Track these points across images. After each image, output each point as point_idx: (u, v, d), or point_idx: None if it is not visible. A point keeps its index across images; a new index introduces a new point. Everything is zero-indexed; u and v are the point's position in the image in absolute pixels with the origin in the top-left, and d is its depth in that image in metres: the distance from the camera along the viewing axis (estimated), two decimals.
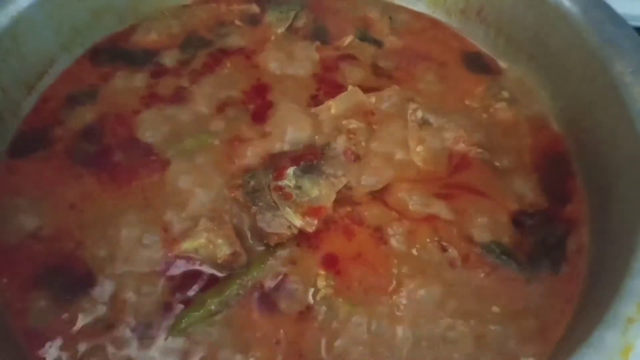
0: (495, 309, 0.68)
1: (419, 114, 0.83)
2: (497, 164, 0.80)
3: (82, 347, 0.63)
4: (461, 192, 0.77)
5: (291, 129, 0.80)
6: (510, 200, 0.77)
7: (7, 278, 0.68)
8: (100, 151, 0.78)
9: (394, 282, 0.68)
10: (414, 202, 0.75)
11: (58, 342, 0.63)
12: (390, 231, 0.72)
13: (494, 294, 0.69)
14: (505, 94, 0.89)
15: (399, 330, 0.65)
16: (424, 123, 0.83)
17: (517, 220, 0.75)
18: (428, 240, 0.72)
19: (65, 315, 0.65)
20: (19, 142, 0.81)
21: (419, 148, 0.80)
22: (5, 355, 0.61)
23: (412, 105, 0.84)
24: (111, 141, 0.79)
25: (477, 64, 0.95)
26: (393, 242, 0.71)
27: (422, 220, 0.73)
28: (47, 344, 0.63)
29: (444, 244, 0.71)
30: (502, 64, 0.95)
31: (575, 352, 0.54)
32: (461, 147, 0.81)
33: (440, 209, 0.74)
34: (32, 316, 0.65)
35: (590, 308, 0.64)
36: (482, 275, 0.70)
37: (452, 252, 0.71)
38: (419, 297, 0.68)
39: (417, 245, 0.71)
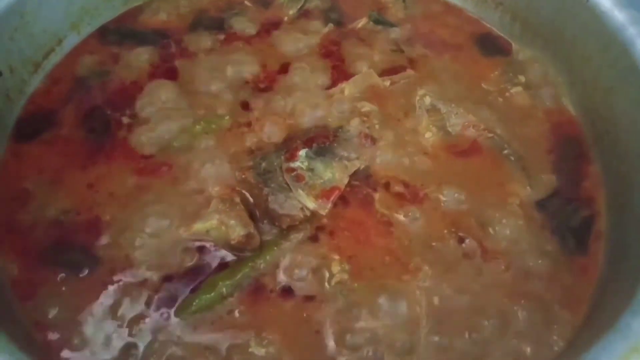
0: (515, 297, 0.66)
1: (427, 100, 0.82)
2: (509, 149, 0.78)
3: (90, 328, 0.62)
4: (473, 180, 0.75)
5: (303, 110, 0.78)
6: (523, 185, 0.75)
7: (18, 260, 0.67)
8: (110, 130, 0.77)
9: (409, 269, 0.67)
10: (429, 189, 0.73)
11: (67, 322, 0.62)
12: (404, 218, 0.71)
13: (514, 284, 0.67)
14: (522, 79, 0.87)
15: (415, 316, 0.64)
16: (432, 109, 0.81)
17: (539, 204, 0.73)
18: (445, 230, 0.70)
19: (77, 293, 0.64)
20: (25, 124, 0.79)
21: (428, 134, 0.79)
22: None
23: (420, 92, 0.83)
24: (120, 120, 0.78)
25: (493, 48, 0.93)
26: (407, 229, 0.70)
27: (437, 208, 0.72)
28: (54, 326, 0.62)
29: (461, 234, 0.70)
30: (518, 48, 0.93)
31: (601, 337, 0.52)
32: (471, 132, 0.80)
33: (453, 197, 0.73)
34: (41, 297, 0.64)
35: (614, 294, 0.62)
36: (502, 267, 0.68)
37: (471, 243, 0.69)
38: (435, 285, 0.66)
39: (433, 234, 0.70)
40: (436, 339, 0.63)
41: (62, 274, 0.65)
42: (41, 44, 0.84)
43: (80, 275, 0.65)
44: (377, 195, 0.72)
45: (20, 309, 0.63)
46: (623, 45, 0.76)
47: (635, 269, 0.59)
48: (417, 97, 0.82)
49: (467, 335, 0.63)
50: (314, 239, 0.68)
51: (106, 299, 0.63)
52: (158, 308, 0.63)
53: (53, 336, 0.61)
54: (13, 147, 0.76)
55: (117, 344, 0.61)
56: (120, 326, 0.62)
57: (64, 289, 0.64)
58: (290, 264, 0.66)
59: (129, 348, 0.61)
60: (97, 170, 0.73)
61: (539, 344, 0.64)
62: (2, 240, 0.68)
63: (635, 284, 0.56)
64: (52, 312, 0.63)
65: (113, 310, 0.63)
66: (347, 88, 0.82)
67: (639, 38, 0.74)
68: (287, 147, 0.74)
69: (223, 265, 0.66)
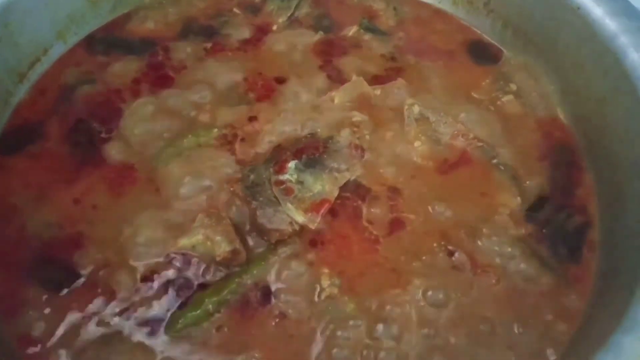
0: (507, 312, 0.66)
1: (416, 109, 0.81)
2: (499, 158, 0.78)
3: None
4: (463, 190, 0.75)
5: (292, 120, 0.77)
6: (513, 195, 0.74)
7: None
8: (96, 144, 0.76)
9: (399, 283, 0.66)
10: (418, 201, 0.72)
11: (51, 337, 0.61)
12: (395, 232, 0.70)
13: (505, 296, 0.67)
14: (513, 87, 0.86)
15: (405, 330, 0.63)
16: (421, 118, 0.80)
17: (530, 214, 0.73)
18: (434, 243, 0.69)
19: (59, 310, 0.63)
20: (10, 136, 0.77)
21: (417, 143, 0.78)
22: None
23: (409, 101, 0.81)
24: (105, 133, 0.77)
25: (484, 55, 0.92)
26: (397, 242, 0.69)
27: (426, 220, 0.71)
28: (38, 342, 0.61)
29: (450, 247, 0.69)
30: (509, 55, 0.92)
31: (592, 356, 0.52)
32: (460, 141, 0.79)
33: (443, 209, 0.72)
34: (24, 311, 0.63)
35: (605, 309, 0.61)
36: (493, 281, 0.67)
37: (460, 256, 0.68)
38: (426, 299, 0.65)
39: (422, 247, 0.69)
40: (427, 352, 0.62)
41: (45, 291, 0.64)
42: (26, 53, 0.83)
43: (61, 294, 0.64)
44: (366, 208, 0.71)
45: (3, 324, 0.62)
46: (615, 53, 0.75)
47: (627, 284, 0.58)
48: (406, 107, 0.81)
49: (458, 349, 0.63)
50: (303, 253, 0.67)
51: (88, 316, 0.62)
52: (144, 325, 0.62)
53: (36, 353, 0.60)
54: None
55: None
56: (104, 344, 0.61)
57: (47, 305, 0.63)
58: (278, 279, 0.65)
59: None
60: (82, 185, 0.72)
61: (532, 358, 0.63)
62: None
63: (627, 301, 0.56)
64: (36, 329, 0.62)
65: (95, 328, 0.62)
66: (337, 97, 0.81)
67: (631, 47, 0.74)
68: (276, 158, 0.73)
69: (209, 283, 0.65)
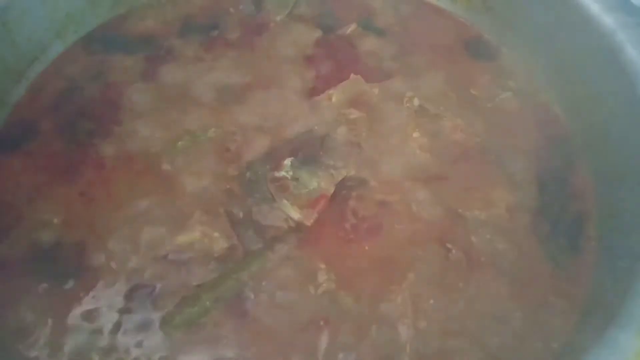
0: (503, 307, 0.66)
1: (415, 102, 0.81)
2: (496, 154, 0.78)
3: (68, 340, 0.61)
4: (460, 185, 0.75)
5: (290, 118, 0.78)
6: (510, 191, 0.74)
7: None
8: (93, 142, 0.76)
9: (395, 278, 0.66)
10: (415, 197, 0.73)
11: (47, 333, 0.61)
12: (390, 227, 0.70)
13: (502, 291, 0.67)
14: (512, 84, 0.87)
15: (401, 325, 0.63)
16: (420, 110, 0.80)
17: (527, 210, 0.73)
18: (431, 238, 0.69)
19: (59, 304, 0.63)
20: (7, 135, 0.78)
21: (416, 134, 0.78)
22: None
23: (409, 93, 0.82)
24: (103, 131, 0.77)
25: (482, 52, 0.92)
26: (393, 237, 0.69)
27: (423, 216, 0.71)
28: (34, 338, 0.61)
29: (447, 243, 0.69)
30: (508, 52, 0.92)
31: (587, 351, 0.52)
32: (459, 136, 0.79)
33: (440, 204, 0.72)
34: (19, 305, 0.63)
35: (602, 304, 0.61)
36: (489, 276, 0.67)
37: (457, 251, 0.69)
38: (422, 294, 0.65)
39: (419, 242, 0.69)
40: (422, 348, 0.62)
41: (45, 284, 0.64)
42: (25, 52, 0.83)
43: (65, 287, 0.64)
44: (363, 204, 0.71)
45: None
46: (612, 49, 0.75)
47: (623, 280, 0.58)
48: (406, 99, 0.81)
49: (454, 344, 0.63)
50: (299, 249, 0.67)
51: (87, 309, 0.63)
52: (141, 321, 0.62)
53: (32, 346, 0.60)
54: None
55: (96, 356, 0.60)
56: (101, 338, 0.61)
57: (45, 299, 0.63)
58: (275, 275, 0.65)
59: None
60: (79, 183, 0.72)
61: (530, 352, 0.63)
62: None
63: (623, 296, 0.55)
64: (32, 322, 0.62)
65: (93, 321, 0.62)
66: (335, 95, 0.81)
67: (628, 43, 0.73)
68: (273, 156, 0.73)
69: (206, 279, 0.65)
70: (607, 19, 0.76)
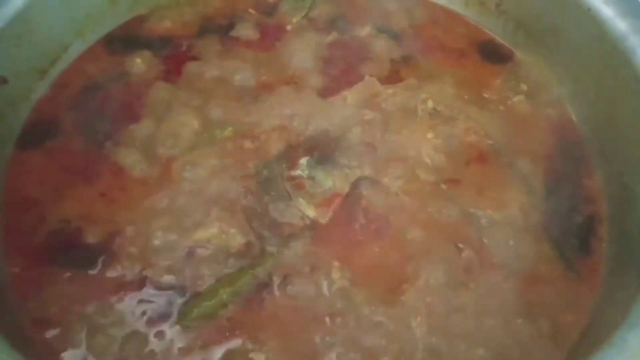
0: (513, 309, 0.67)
1: (430, 103, 0.82)
2: (509, 156, 0.79)
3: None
4: (473, 186, 0.76)
5: (305, 118, 0.79)
6: (522, 193, 0.75)
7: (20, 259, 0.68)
8: (113, 140, 0.77)
9: (408, 277, 0.67)
10: (428, 197, 0.74)
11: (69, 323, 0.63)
12: (404, 227, 0.71)
13: (513, 291, 0.68)
14: (524, 87, 0.87)
15: (413, 325, 0.64)
16: (434, 112, 0.82)
17: (539, 212, 0.74)
18: (443, 239, 0.70)
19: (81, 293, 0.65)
20: (30, 131, 0.79)
21: (430, 135, 0.79)
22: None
23: (423, 95, 0.83)
24: (123, 129, 0.78)
25: (495, 55, 0.93)
26: (406, 237, 0.70)
27: (435, 216, 0.72)
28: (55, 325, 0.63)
29: (460, 244, 0.70)
30: (521, 56, 0.93)
31: (596, 351, 0.52)
32: (472, 138, 0.80)
33: (453, 205, 0.73)
34: (43, 296, 0.64)
35: (612, 305, 0.62)
36: (501, 276, 0.68)
37: (469, 252, 0.70)
38: (434, 294, 0.66)
39: (431, 242, 0.70)
40: (434, 346, 0.63)
41: (69, 273, 0.66)
42: (46, 51, 0.85)
43: (87, 278, 0.66)
44: (376, 203, 0.72)
45: (20, 308, 0.64)
46: (625, 54, 0.75)
47: (634, 280, 0.59)
48: (420, 100, 0.82)
49: (465, 345, 0.64)
50: (313, 246, 0.68)
51: (108, 299, 0.64)
52: (161, 313, 0.64)
53: (53, 335, 0.62)
54: (18, 155, 0.77)
55: (114, 347, 0.62)
56: (120, 329, 0.63)
57: (68, 288, 0.65)
58: (290, 271, 0.66)
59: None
60: (100, 180, 0.74)
61: (541, 352, 0.64)
62: (6, 241, 0.69)
63: (633, 296, 0.56)
64: (54, 311, 0.64)
65: (113, 312, 0.64)
66: (350, 96, 0.83)
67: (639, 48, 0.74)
68: (289, 155, 0.75)
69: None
70: (620, 24, 0.77)
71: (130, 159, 0.75)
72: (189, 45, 0.90)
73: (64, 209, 0.71)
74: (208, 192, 0.72)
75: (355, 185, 0.73)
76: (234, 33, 0.92)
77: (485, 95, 0.86)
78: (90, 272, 0.66)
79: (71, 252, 0.68)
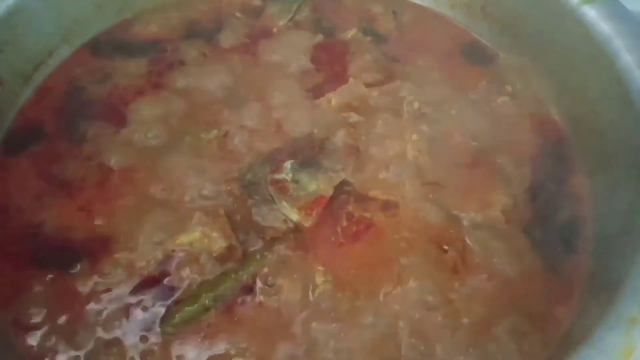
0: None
1: (415, 105, 0.83)
2: (493, 157, 0.79)
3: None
4: (457, 187, 0.76)
5: (290, 121, 0.79)
6: (506, 194, 0.75)
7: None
8: (98, 144, 0.77)
9: (392, 280, 0.67)
10: (412, 199, 0.74)
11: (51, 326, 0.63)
12: (387, 229, 0.71)
13: (497, 292, 0.68)
14: (509, 88, 0.88)
15: (396, 327, 0.64)
16: (420, 114, 0.82)
17: (522, 213, 0.74)
18: (427, 241, 0.70)
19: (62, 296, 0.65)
20: (14, 137, 0.79)
21: (415, 137, 0.79)
22: None
23: (409, 97, 0.83)
24: (110, 133, 0.78)
25: (480, 57, 0.93)
26: (390, 239, 0.70)
27: (419, 218, 0.72)
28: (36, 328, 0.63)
29: (443, 245, 0.70)
30: (505, 58, 0.93)
31: (576, 351, 0.52)
32: (457, 139, 0.80)
33: (436, 206, 0.73)
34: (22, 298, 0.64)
35: (591, 307, 0.62)
36: (485, 277, 0.68)
37: (452, 253, 0.70)
38: (418, 296, 0.66)
39: (415, 244, 0.70)
40: (417, 349, 0.63)
41: (50, 275, 0.66)
42: (32, 56, 0.85)
43: (69, 281, 0.66)
44: (361, 206, 0.72)
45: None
46: (609, 56, 0.76)
47: (615, 280, 0.59)
48: (405, 102, 0.83)
49: (451, 345, 0.64)
50: (297, 250, 0.68)
51: (91, 304, 0.64)
52: (142, 318, 0.64)
53: (34, 340, 0.62)
54: (2, 160, 0.76)
55: (96, 353, 0.62)
56: (103, 332, 0.63)
57: (50, 291, 0.65)
58: (273, 275, 0.66)
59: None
60: (85, 184, 0.73)
61: (524, 352, 0.64)
62: None
63: (613, 297, 0.56)
64: (35, 315, 0.63)
65: (96, 316, 0.64)
66: (335, 98, 0.83)
67: (624, 49, 0.75)
68: (273, 158, 0.75)
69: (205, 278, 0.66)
70: (604, 26, 0.78)
71: (116, 163, 0.75)
72: (174, 49, 0.90)
73: (46, 215, 0.71)
74: (191, 196, 0.72)
75: (339, 188, 0.73)
76: (220, 36, 0.92)
77: (471, 97, 0.87)
78: (72, 276, 0.66)
79: (53, 256, 0.68)
